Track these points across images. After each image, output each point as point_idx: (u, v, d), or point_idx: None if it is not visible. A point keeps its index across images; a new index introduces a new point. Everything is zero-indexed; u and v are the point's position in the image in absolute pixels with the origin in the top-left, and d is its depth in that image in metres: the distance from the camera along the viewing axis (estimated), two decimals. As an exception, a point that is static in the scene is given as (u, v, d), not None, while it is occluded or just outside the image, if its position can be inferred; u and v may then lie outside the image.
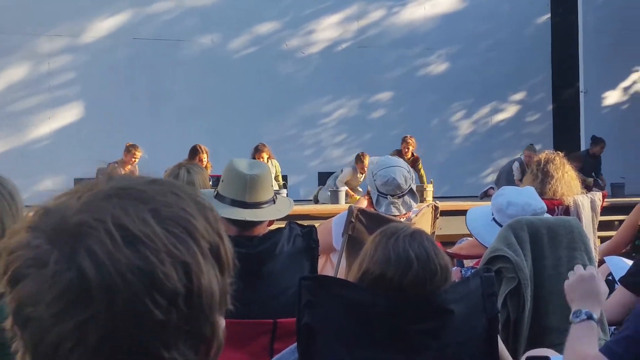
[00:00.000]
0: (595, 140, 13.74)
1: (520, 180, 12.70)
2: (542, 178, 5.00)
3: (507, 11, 16.12)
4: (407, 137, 12.96)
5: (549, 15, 16.33)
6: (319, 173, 14.43)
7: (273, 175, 11.78)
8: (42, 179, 13.49)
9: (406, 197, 4.44)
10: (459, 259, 4.62)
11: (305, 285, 2.16)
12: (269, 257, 2.95)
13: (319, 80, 15.02)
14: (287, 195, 11.65)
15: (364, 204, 4.63)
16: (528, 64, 16.02)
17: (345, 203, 11.85)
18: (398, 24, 15.60)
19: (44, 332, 0.87)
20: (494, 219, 3.46)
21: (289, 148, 14.16)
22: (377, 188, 4.46)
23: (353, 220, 4.34)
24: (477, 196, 14.31)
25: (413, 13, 15.67)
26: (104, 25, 13.97)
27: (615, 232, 5.39)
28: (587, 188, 12.98)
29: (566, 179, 4.99)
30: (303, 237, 3.05)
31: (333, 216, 10.16)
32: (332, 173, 13.28)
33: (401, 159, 4.61)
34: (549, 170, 4.99)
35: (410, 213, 4.50)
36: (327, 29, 15.17)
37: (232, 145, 13.97)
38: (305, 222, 9.22)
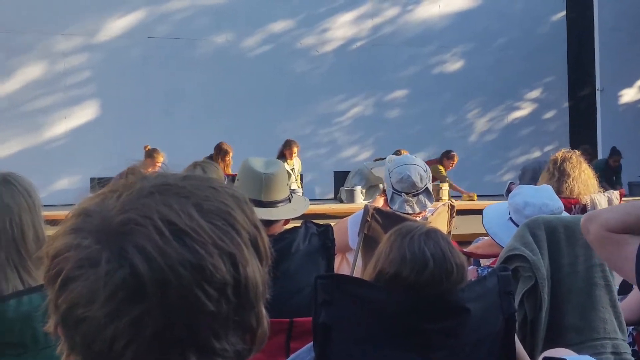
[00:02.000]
0: (614, 152, 13.66)
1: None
2: (559, 177, 4.98)
3: (522, 8, 16.07)
4: (453, 153, 12.99)
5: (564, 13, 16.26)
6: (335, 172, 14.42)
7: (296, 173, 11.82)
8: (58, 178, 13.54)
9: (421, 196, 4.44)
10: (475, 258, 4.61)
11: (321, 284, 2.16)
12: (284, 256, 2.95)
13: (334, 78, 15.00)
14: (302, 194, 11.68)
15: (380, 202, 4.63)
16: (543, 62, 15.96)
17: (365, 201, 11.87)
18: (412, 22, 15.57)
19: (98, 331, 0.88)
20: (510, 218, 3.44)
21: (304, 147, 14.11)
22: (392, 185, 4.47)
23: (369, 219, 4.34)
24: (493, 195, 14.24)
25: (427, 11, 15.64)
26: (118, 24, 14.00)
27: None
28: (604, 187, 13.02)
29: (583, 177, 4.97)
30: (319, 236, 3.04)
31: (349, 214, 10.17)
32: (348, 172, 13.26)
33: (418, 158, 4.60)
34: (566, 169, 4.97)
35: (426, 212, 4.49)
36: (342, 27, 15.15)
37: (246, 144, 13.98)
38: (321, 222, 9.22)
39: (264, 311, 1.00)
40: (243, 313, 0.94)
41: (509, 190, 12.77)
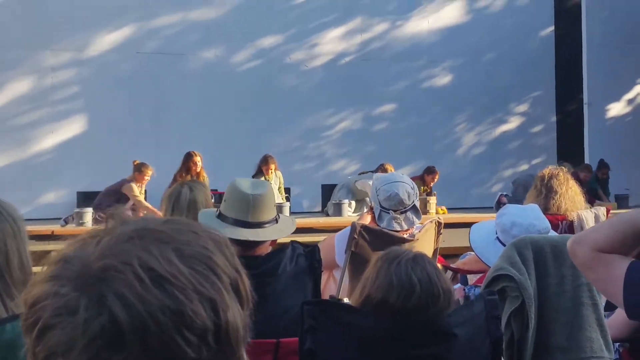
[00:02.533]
0: (600, 166, 13.71)
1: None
2: (546, 193, 4.99)
3: (511, 24, 16.13)
4: (433, 168, 12.99)
5: (552, 28, 16.33)
6: (322, 185, 14.42)
7: (277, 187, 11.80)
8: (46, 193, 13.50)
9: (409, 213, 4.44)
10: (462, 274, 4.61)
11: (307, 310, 2.15)
12: (271, 277, 2.94)
13: (323, 93, 15.02)
14: (290, 208, 11.65)
15: (367, 219, 4.62)
16: (532, 76, 16.02)
17: (352, 215, 11.86)
18: (401, 37, 15.61)
19: None
20: (497, 238, 3.44)
21: (293, 160, 14.16)
22: (379, 203, 4.46)
23: (356, 236, 4.34)
24: (481, 207, 14.28)
25: (416, 26, 15.68)
26: (107, 40, 13.99)
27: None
28: (593, 200, 13.06)
29: (570, 194, 4.98)
30: (306, 256, 3.03)
31: (336, 229, 10.14)
32: (336, 185, 13.26)
33: (405, 175, 4.60)
34: (553, 186, 4.98)
35: (413, 229, 4.49)
36: (331, 42, 15.18)
37: (235, 159, 14.00)
38: (309, 236, 9.21)
39: (245, 356, 0.98)
40: (224, 359, 0.93)
41: (499, 202, 12.89)
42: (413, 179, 12.35)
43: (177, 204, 4.07)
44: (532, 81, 16.09)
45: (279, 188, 12.06)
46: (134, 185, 10.75)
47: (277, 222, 3.09)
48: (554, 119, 16.39)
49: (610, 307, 3.65)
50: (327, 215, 12.45)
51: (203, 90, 14.29)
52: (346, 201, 11.95)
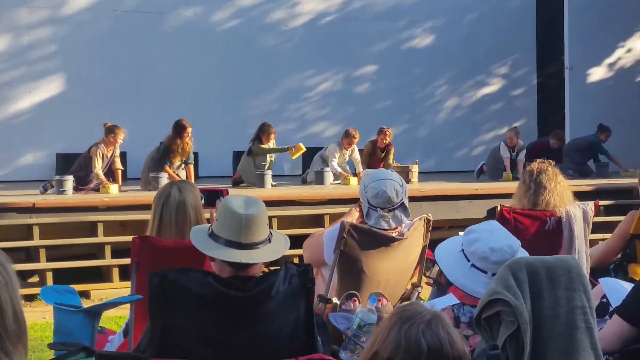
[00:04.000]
0: (602, 129, 13.66)
1: (510, 158, 12.75)
2: (535, 189, 4.97)
3: (493, -17, 16.02)
4: (385, 128, 12.83)
5: (534, -12, 16.24)
6: (325, 158, 14.33)
7: (269, 157, 11.74)
8: (23, 154, 13.39)
9: (397, 211, 4.41)
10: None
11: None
12: (264, 300, 2.91)
13: (303, 53, 14.89)
14: (271, 172, 11.63)
15: (355, 215, 4.58)
16: (513, 38, 15.96)
17: (340, 184, 11.85)
18: (383, -3, 15.46)
19: None
20: (473, 265, 3.38)
21: (273, 122, 13.92)
22: (367, 200, 4.43)
23: (345, 235, 4.31)
24: (463, 171, 14.32)
25: (398, -14, 15.53)
26: (85, -3, 13.77)
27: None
28: (584, 167, 13.09)
29: (559, 190, 4.96)
30: (299, 276, 3.00)
31: (319, 201, 10.17)
32: (316, 148, 13.22)
33: (394, 172, 4.56)
34: (542, 181, 4.95)
35: (402, 227, 4.47)
36: (311, 2, 15.02)
37: (215, 119, 13.91)
38: (292, 209, 9.20)
39: None
40: None
41: (480, 171, 12.92)
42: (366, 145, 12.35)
43: (166, 204, 4.03)
44: (513, 43, 16.03)
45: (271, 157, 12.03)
46: (99, 150, 10.66)
47: (270, 241, 3.05)
48: (535, 81, 16.37)
49: (600, 314, 3.66)
50: (306, 182, 12.43)
51: (182, 50, 14.13)
52: (328, 169, 11.94)
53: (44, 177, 11.84)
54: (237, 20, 14.61)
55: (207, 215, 4.15)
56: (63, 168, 11.88)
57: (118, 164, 11.04)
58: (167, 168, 10.99)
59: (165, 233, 4.05)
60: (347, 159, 12.50)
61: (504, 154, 12.84)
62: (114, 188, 10.43)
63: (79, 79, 13.57)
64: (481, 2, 15.94)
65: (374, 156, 12.76)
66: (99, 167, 10.63)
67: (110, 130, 10.81)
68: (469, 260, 3.38)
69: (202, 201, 4.15)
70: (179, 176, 10.86)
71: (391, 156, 12.74)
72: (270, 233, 3.08)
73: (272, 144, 12.02)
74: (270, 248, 3.04)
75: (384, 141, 12.73)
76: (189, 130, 11.22)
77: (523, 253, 3.46)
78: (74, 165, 10.94)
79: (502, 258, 3.29)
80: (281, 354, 2.93)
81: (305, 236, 4.75)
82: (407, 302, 2.49)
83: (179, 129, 11.20)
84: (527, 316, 2.88)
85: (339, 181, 12.06)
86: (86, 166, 10.70)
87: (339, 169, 12.15)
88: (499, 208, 5.16)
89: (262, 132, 11.85)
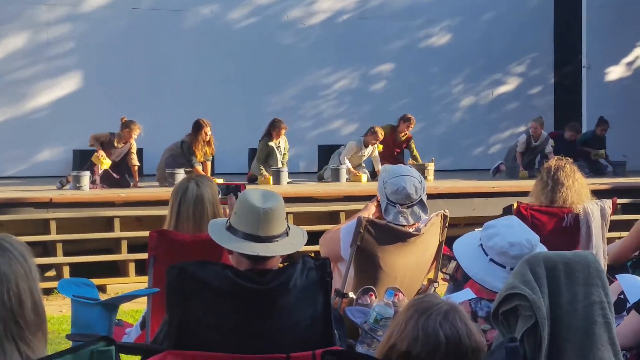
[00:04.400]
0: (599, 122, 13.65)
1: (522, 153, 12.72)
2: (553, 186, 4.96)
3: (510, -18, 15.99)
4: (410, 117, 12.82)
5: (552, -13, 16.19)
6: (319, 146, 14.38)
7: (282, 154, 11.74)
8: (41, 150, 13.44)
9: (415, 208, 4.41)
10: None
11: (328, 360, 2.12)
12: (282, 293, 2.92)
13: (320, 51, 14.90)
14: (287, 169, 11.63)
15: (372, 210, 4.58)
16: (530, 37, 15.91)
17: (347, 181, 11.84)
18: (400, -5, 15.45)
19: None
20: (492, 260, 3.38)
21: (289, 120, 13.98)
22: (386, 196, 4.43)
23: (362, 231, 4.31)
24: (479, 169, 14.30)
25: (415, -16, 15.52)
26: (103, -5, 13.83)
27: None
28: (596, 163, 13.03)
29: (576, 187, 4.95)
30: (317, 269, 3.00)
31: (335, 198, 10.16)
32: (332, 145, 13.23)
33: (413, 169, 4.56)
34: (560, 178, 4.94)
35: (419, 223, 4.47)
36: (328, 0, 15.01)
37: (232, 117, 13.93)
38: (308, 205, 9.20)
39: None
40: None
41: (497, 169, 12.87)
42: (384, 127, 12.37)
43: (183, 198, 4.05)
44: (530, 42, 15.98)
45: (284, 154, 12.00)
46: (106, 136, 10.76)
47: (287, 234, 3.06)
48: (552, 81, 16.31)
49: (617, 310, 3.65)
50: (322, 178, 12.43)
51: (199, 48, 14.15)
52: (344, 166, 11.93)
53: (61, 173, 11.89)
54: (255, 18, 14.63)
55: (224, 209, 4.16)
56: (80, 164, 11.92)
57: (135, 160, 11.09)
58: (197, 168, 11.03)
59: (182, 227, 4.07)
60: (366, 157, 12.46)
61: (519, 148, 12.79)
62: (106, 162, 10.53)
63: (97, 76, 13.62)
64: (498, 1, 15.90)
65: (391, 141, 12.71)
66: (98, 136, 10.73)
67: (126, 125, 10.87)
68: (487, 255, 3.37)
69: (220, 196, 4.16)
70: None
71: (413, 145, 12.78)
72: (288, 226, 3.09)
73: (282, 140, 11.97)
74: (288, 241, 3.05)
75: (408, 129, 12.74)
76: (208, 129, 11.22)
77: (542, 248, 3.45)
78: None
79: (521, 252, 3.28)
80: (298, 347, 2.94)
81: (321, 233, 4.75)
82: (423, 295, 2.48)
83: (197, 127, 11.23)
84: (544, 311, 2.88)
85: (347, 176, 12.01)
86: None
87: (349, 165, 12.13)
88: (515, 206, 5.16)
89: (273, 128, 11.84)
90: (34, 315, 2.08)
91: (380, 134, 12.21)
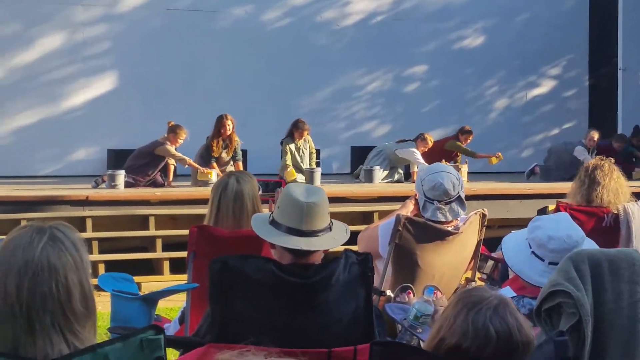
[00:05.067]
0: (635, 132, 13.51)
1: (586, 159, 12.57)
2: (589, 184, 4.94)
3: (545, -16, 15.90)
4: (468, 128, 13.20)
5: (587, -11, 16.08)
6: (352, 147, 14.38)
7: (308, 153, 11.75)
8: (76, 149, 13.54)
9: (454, 204, 4.40)
10: (503, 263, 4.55)
11: (376, 351, 2.12)
12: (324, 287, 2.92)
13: (353, 53, 14.89)
14: (320, 169, 11.62)
15: (410, 207, 4.58)
16: (565, 39, 15.80)
17: (382, 181, 11.83)
18: (433, -3, 15.42)
19: None
20: (533, 252, 3.38)
21: (322, 121, 14.08)
22: (424, 193, 4.43)
23: (400, 228, 4.31)
24: (512, 172, 14.22)
25: (449, -15, 15.47)
26: (138, -5, 13.92)
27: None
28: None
29: (613, 186, 4.91)
30: (359, 264, 3.01)
31: (368, 198, 10.15)
32: (365, 147, 13.21)
33: (450, 166, 4.55)
34: (596, 177, 4.92)
35: (458, 221, 4.46)
36: (362, 1, 15.01)
37: (265, 118, 13.97)
38: (341, 206, 9.19)
39: None
40: None
41: (532, 172, 12.75)
42: (447, 139, 12.48)
43: (224, 194, 4.07)
44: (565, 44, 15.87)
45: (311, 153, 12.00)
46: (169, 147, 10.77)
47: (330, 229, 3.06)
48: (587, 83, 16.19)
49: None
50: (356, 177, 12.42)
51: (233, 48, 14.20)
52: (377, 167, 11.92)
53: (96, 172, 11.98)
54: (288, 19, 14.66)
55: (264, 206, 4.17)
56: (115, 163, 12.00)
57: (171, 160, 11.16)
58: (214, 164, 11.07)
59: (222, 223, 4.08)
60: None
61: (580, 156, 12.28)
62: (214, 173, 10.58)
63: (132, 76, 13.71)
64: (533, 2, 15.81)
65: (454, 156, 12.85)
66: (178, 154, 10.80)
67: (172, 130, 10.93)
68: (530, 247, 3.38)
69: (260, 192, 4.18)
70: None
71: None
72: (331, 221, 3.09)
73: (305, 141, 11.94)
74: (331, 236, 3.05)
75: (466, 141, 12.81)
76: (228, 122, 11.21)
77: (589, 245, 3.44)
78: (131, 158, 11.02)
79: (559, 247, 3.29)
80: (340, 342, 2.94)
81: (355, 233, 4.74)
82: (471, 287, 2.46)
83: (217, 122, 11.29)
84: (588, 308, 2.86)
85: (389, 180, 12.01)
86: (148, 162, 10.80)
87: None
88: (550, 208, 5.13)
89: (296, 129, 11.83)
90: (83, 307, 2.09)
91: (430, 140, 12.25)
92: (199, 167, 10.85)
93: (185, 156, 10.94)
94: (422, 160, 11.92)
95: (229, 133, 11.25)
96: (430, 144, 12.29)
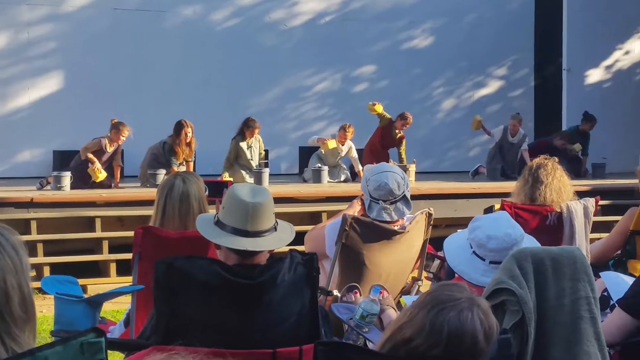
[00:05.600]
0: (587, 117, 13.70)
1: (501, 146, 12.83)
2: (532, 183, 5.01)
3: (491, -15, 16.05)
4: (407, 114, 12.92)
5: (533, -10, 16.27)
6: (300, 147, 14.38)
7: (257, 152, 11.76)
8: (21, 150, 13.36)
9: (399, 204, 4.42)
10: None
11: (321, 350, 2.11)
12: (269, 287, 2.92)
13: (302, 53, 14.89)
14: (269, 170, 11.62)
15: (356, 208, 4.59)
16: (511, 40, 15.97)
17: (330, 181, 11.87)
18: (382, -3, 15.48)
19: None
20: (474, 252, 3.41)
21: (271, 121, 14.05)
22: (369, 193, 4.44)
23: (347, 228, 4.32)
24: (459, 172, 14.35)
25: (397, -14, 15.55)
26: (85, -5, 13.76)
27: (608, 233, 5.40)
28: (573, 158, 13.08)
29: (556, 184, 4.98)
30: (304, 264, 3.01)
31: (316, 199, 10.15)
32: (314, 147, 13.23)
33: (396, 166, 4.58)
34: (540, 176, 4.98)
35: (404, 220, 4.48)
36: (311, 2, 15.02)
37: (214, 118, 13.90)
38: (290, 206, 9.20)
39: None
40: None
41: (476, 171, 12.91)
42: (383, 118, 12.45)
43: (169, 195, 4.04)
44: (511, 45, 16.04)
45: (260, 153, 12.00)
46: (97, 141, 10.71)
47: (276, 230, 3.06)
48: (532, 83, 16.39)
49: (602, 307, 3.68)
50: (304, 180, 12.44)
51: (181, 48, 14.12)
52: (326, 167, 11.95)
53: (41, 174, 11.83)
54: (237, 19, 14.61)
55: (211, 207, 4.15)
56: (60, 165, 11.87)
57: (118, 160, 11.07)
58: (175, 168, 11.03)
59: (168, 224, 4.06)
60: (343, 155, 12.51)
61: (496, 137, 13.15)
62: (102, 175, 10.45)
63: (78, 76, 13.55)
64: (480, 3, 15.96)
65: (387, 136, 12.80)
66: (90, 146, 10.65)
67: (115, 127, 10.86)
68: (471, 247, 3.41)
69: (206, 193, 4.15)
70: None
71: (403, 146, 12.84)
72: (277, 221, 3.09)
73: (256, 139, 11.97)
74: (277, 236, 3.05)
75: (404, 127, 12.81)
76: (189, 129, 11.26)
77: (530, 242, 3.47)
78: (74, 159, 10.92)
79: (499, 246, 3.32)
80: (285, 342, 2.94)
81: (303, 233, 4.74)
82: (448, 282, 2.43)
83: (178, 128, 11.27)
84: (531, 305, 2.90)
85: (336, 179, 12.05)
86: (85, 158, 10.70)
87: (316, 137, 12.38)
88: (496, 207, 5.19)
89: (247, 127, 11.84)
90: (22, 310, 2.05)
91: (347, 129, 12.33)
92: (95, 165, 10.56)
93: (93, 156, 10.70)
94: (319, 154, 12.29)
95: (188, 140, 11.27)
96: (348, 132, 12.36)
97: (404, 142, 12.94)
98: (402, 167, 11.56)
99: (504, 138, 13.01)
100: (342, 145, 12.42)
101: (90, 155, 10.60)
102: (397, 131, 12.86)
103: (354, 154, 12.48)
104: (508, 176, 12.43)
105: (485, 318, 2.06)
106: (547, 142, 13.45)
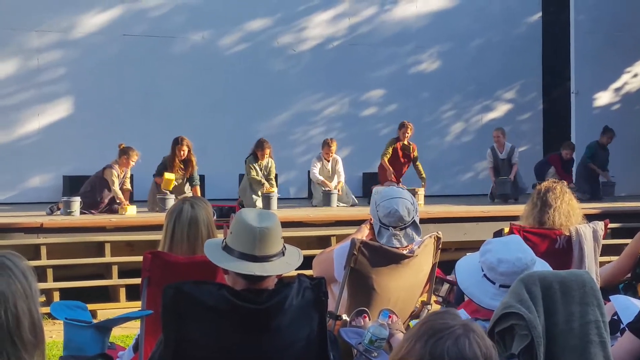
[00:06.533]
0: (605, 130, 13.75)
1: (492, 167, 12.88)
2: (541, 207, 4.99)
3: (499, 9, 16.11)
4: (406, 122, 12.92)
5: (540, 14, 16.31)
6: (309, 171, 14.38)
7: (269, 173, 11.78)
8: (31, 176, 13.42)
9: (409, 230, 4.40)
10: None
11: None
12: (277, 312, 2.91)
13: (310, 77, 14.96)
14: (277, 194, 11.62)
15: (365, 232, 4.58)
16: (519, 64, 16.01)
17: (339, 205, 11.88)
18: (389, 22, 15.54)
19: None
20: (484, 275, 3.41)
21: (280, 146, 14.07)
22: (379, 219, 4.42)
23: (355, 252, 4.31)
24: (468, 195, 14.34)
25: (405, 11, 15.62)
26: (94, 21, 13.86)
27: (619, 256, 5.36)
28: (597, 187, 13.14)
29: (564, 208, 4.97)
30: (312, 289, 3.01)
31: (325, 223, 10.15)
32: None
33: (405, 191, 4.57)
34: (548, 200, 4.97)
35: (413, 245, 4.47)
36: (319, 26, 15.10)
37: (222, 142, 13.96)
38: (299, 230, 9.19)
39: None
40: None
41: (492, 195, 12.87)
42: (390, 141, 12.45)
43: (178, 220, 4.04)
44: (519, 68, 16.09)
45: (270, 175, 12.00)
46: (114, 171, 10.70)
47: (283, 254, 3.06)
48: (540, 107, 16.40)
49: (613, 330, 3.65)
50: (313, 206, 12.44)
51: (190, 74, 14.20)
52: (336, 192, 11.96)
53: (51, 199, 11.88)
54: (245, 44, 14.69)
55: (219, 232, 4.15)
56: (70, 190, 11.91)
57: (127, 185, 11.09)
58: (157, 179, 11.08)
59: (177, 249, 4.05)
60: (330, 171, 12.52)
61: (489, 164, 13.31)
62: (131, 209, 10.47)
63: (87, 102, 13.63)
64: (488, 27, 16.01)
65: (398, 156, 12.80)
66: (116, 187, 10.67)
67: (124, 152, 10.87)
68: (482, 271, 3.40)
69: (215, 217, 4.15)
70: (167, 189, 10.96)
71: (417, 155, 12.85)
72: (284, 246, 3.09)
73: (267, 161, 11.98)
74: (284, 261, 3.05)
75: (406, 135, 12.77)
76: (184, 147, 11.22)
77: (542, 266, 3.46)
78: (84, 186, 10.93)
79: (509, 270, 3.32)
80: (294, 367, 2.93)
81: (312, 257, 4.73)
82: (442, 310, 2.42)
83: (173, 143, 11.30)
84: (540, 329, 2.89)
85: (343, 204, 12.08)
86: (99, 187, 10.69)
87: (320, 178, 12.26)
88: (505, 230, 5.18)
89: (258, 148, 11.86)
90: (32, 335, 2.07)
91: (330, 144, 12.35)
92: (122, 199, 10.64)
93: (118, 191, 10.74)
94: (314, 168, 12.44)
95: (184, 156, 11.22)
96: (332, 147, 12.42)
97: (416, 151, 12.91)
98: (411, 191, 11.57)
99: (495, 157, 13.12)
100: (328, 161, 12.46)
101: (121, 197, 10.62)
102: (405, 142, 12.84)
103: (339, 168, 12.52)
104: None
105: (482, 342, 2.05)
106: (556, 156, 13.56)
